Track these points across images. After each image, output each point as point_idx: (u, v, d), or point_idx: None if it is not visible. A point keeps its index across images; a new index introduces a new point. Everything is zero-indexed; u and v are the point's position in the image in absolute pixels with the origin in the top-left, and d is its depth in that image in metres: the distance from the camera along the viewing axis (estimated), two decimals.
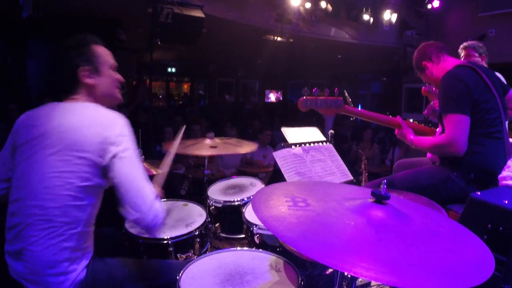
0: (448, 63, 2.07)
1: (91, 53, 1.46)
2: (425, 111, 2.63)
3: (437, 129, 2.29)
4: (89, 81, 1.45)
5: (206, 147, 2.44)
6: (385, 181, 1.08)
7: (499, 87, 1.99)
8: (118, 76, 1.57)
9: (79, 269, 1.35)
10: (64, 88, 1.46)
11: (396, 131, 2.21)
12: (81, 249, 1.36)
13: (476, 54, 2.87)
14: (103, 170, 1.34)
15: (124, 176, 1.31)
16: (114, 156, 1.31)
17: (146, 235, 1.90)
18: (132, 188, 1.31)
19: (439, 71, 2.08)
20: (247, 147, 2.54)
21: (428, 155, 2.45)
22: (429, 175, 2.04)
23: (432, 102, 2.57)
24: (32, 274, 1.29)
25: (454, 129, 1.85)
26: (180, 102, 12.39)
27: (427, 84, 2.90)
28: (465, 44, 2.93)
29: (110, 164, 1.32)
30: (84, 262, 1.38)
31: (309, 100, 1.93)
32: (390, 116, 2.27)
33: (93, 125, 1.34)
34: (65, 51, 1.44)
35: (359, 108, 2.19)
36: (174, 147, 1.86)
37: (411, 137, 2.10)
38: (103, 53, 1.50)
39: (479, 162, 1.87)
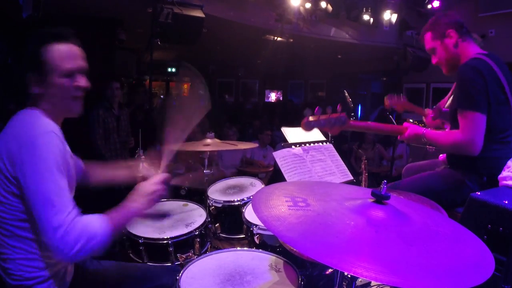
0: (471, 48, 1.92)
1: (40, 57, 1.25)
2: (432, 113, 2.58)
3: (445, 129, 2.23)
4: (34, 90, 1.27)
5: (206, 145, 2.45)
6: (385, 181, 1.08)
7: None
8: (77, 83, 1.32)
9: (62, 272, 1.33)
10: (19, 92, 1.30)
11: (401, 137, 2.05)
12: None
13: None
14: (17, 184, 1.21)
15: (27, 192, 1.18)
16: (19, 171, 1.18)
17: (146, 235, 1.90)
18: (32, 208, 1.17)
19: (462, 49, 1.91)
20: (246, 146, 2.55)
21: (440, 157, 2.37)
22: (442, 180, 1.98)
23: (438, 103, 2.51)
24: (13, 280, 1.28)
25: (472, 128, 1.77)
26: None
27: (389, 95, 2.74)
28: None
29: (17, 178, 1.19)
30: (64, 265, 1.35)
31: (312, 121, 1.86)
32: (395, 123, 2.16)
33: (5, 136, 1.23)
34: (16, 55, 1.28)
35: (360, 122, 2.09)
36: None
37: (422, 131, 1.95)
38: (55, 57, 1.27)
39: (491, 166, 1.83)
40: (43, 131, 1.21)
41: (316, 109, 1.86)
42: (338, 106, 1.92)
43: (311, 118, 1.86)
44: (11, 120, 1.28)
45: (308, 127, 1.86)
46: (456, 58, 1.94)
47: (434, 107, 2.51)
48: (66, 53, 1.29)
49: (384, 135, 6.98)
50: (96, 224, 1.20)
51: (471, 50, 1.92)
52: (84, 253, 1.16)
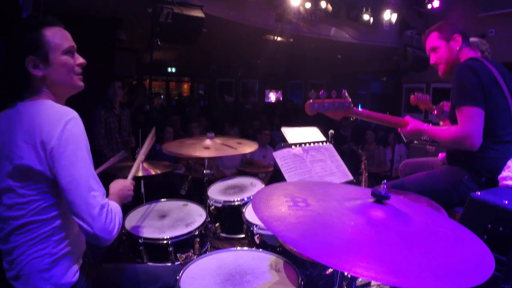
0: (470, 54, 2.00)
1: (38, 39, 1.27)
2: (435, 112, 2.57)
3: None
4: (37, 72, 1.28)
5: (206, 148, 2.44)
6: (385, 181, 1.08)
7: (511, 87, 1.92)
8: (78, 60, 1.38)
9: (64, 273, 1.32)
10: (17, 84, 1.31)
11: (401, 130, 2.07)
12: (61, 253, 1.31)
13: (479, 52, 2.80)
14: (46, 176, 1.23)
15: (64, 179, 1.20)
16: (52, 157, 1.20)
17: (146, 235, 1.90)
18: (72, 194, 1.20)
19: (462, 54, 2.00)
20: (247, 148, 2.54)
21: (440, 156, 2.37)
22: (440, 179, 2.00)
23: (441, 102, 2.51)
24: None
25: (469, 123, 1.79)
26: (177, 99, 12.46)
27: (415, 93, 2.77)
28: None
29: (51, 165, 1.21)
30: (71, 266, 1.34)
31: (316, 103, 1.84)
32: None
33: (29, 128, 1.21)
34: (12, 40, 1.28)
35: (363, 110, 2.08)
36: (144, 150, 1.96)
37: (424, 127, 1.98)
38: (54, 37, 1.30)
39: (491, 166, 1.83)
40: (72, 117, 1.24)
41: (321, 92, 1.85)
42: (343, 91, 1.93)
43: (315, 101, 1.84)
44: (21, 113, 1.26)
45: (312, 109, 1.85)
46: (456, 61, 2.01)
47: (437, 106, 2.51)
48: (62, 34, 1.34)
49: (382, 135, 7.00)
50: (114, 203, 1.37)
51: (470, 55, 2.00)
52: (118, 230, 1.28)
